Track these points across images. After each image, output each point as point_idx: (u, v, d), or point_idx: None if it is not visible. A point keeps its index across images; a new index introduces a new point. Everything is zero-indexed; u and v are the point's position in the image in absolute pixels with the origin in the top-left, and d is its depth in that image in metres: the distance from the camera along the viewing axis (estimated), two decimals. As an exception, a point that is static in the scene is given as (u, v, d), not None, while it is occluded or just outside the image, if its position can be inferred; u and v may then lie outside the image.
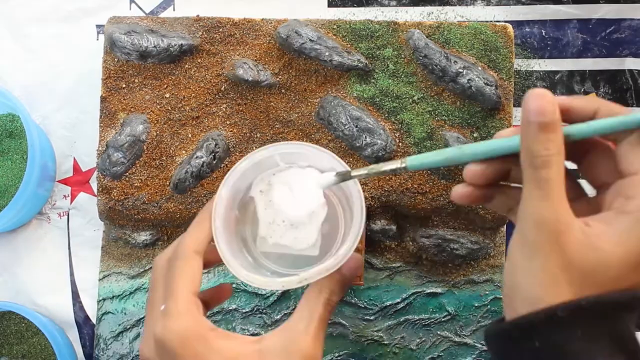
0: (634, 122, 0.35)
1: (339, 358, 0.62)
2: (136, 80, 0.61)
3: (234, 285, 0.63)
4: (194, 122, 0.61)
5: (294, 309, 0.62)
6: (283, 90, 0.61)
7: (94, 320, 0.64)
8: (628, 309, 0.32)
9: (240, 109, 0.61)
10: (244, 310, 0.63)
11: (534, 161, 0.34)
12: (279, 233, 0.45)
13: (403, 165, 0.42)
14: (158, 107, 0.61)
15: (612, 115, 0.36)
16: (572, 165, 0.39)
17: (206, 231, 0.44)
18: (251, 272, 0.43)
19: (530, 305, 0.32)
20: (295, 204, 0.45)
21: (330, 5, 0.68)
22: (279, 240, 0.45)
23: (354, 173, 0.44)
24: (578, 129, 0.36)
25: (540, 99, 0.34)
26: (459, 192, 0.40)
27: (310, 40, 0.60)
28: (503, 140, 0.38)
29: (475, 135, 0.60)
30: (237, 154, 0.61)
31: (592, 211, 0.36)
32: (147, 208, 0.61)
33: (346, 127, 0.59)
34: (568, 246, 0.32)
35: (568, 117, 0.37)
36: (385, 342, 0.62)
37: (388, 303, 0.63)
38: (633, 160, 0.35)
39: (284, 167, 0.47)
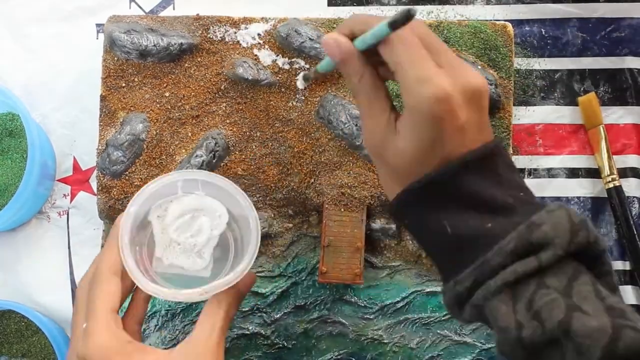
0: (381, 30, 0.38)
1: (338, 357, 0.62)
2: (136, 79, 0.61)
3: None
4: (194, 121, 0.61)
5: (293, 308, 0.62)
6: (283, 89, 0.61)
7: (93, 319, 0.64)
8: (452, 176, 0.38)
9: (240, 107, 0.61)
10: (243, 309, 0.63)
11: (351, 91, 0.43)
12: (175, 255, 0.49)
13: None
14: (158, 105, 0.61)
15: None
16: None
17: (117, 252, 0.47)
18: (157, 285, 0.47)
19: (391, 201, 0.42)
20: (191, 229, 0.50)
21: (330, 4, 0.68)
22: (174, 261, 0.49)
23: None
24: (361, 42, 0.41)
25: (329, 44, 0.41)
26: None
27: (310, 39, 0.60)
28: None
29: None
30: (237, 152, 0.61)
31: None
32: (146, 207, 0.61)
33: (346, 125, 0.59)
34: (388, 161, 0.40)
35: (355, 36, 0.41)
36: (385, 341, 0.62)
37: (388, 302, 0.63)
38: (390, 59, 0.39)
39: (182, 194, 0.51)
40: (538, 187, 0.65)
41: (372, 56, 0.41)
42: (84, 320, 0.45)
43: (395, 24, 0.37)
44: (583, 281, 0.36)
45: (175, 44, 0.60)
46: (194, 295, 0.46)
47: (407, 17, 0.36)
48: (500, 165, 0.39)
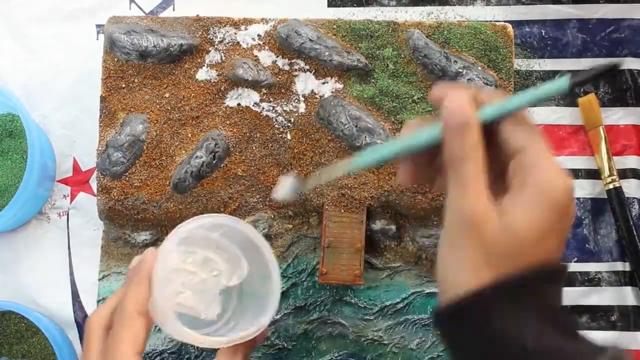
0: (559, 86, 0.36)
1: (338, 358, 0.62)
2: (136, 80, 0.61)
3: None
4: (194, 121, 0.61)
5: (293, 309, 0.62)
6: (283, 90, 0.61)
7: (93, 320, 0.64)
8: (548, 282, 0.35)
9: (240, 108, 0.61)
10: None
11: (452, 160, 0.36)
12: (188, 294, 0.48)
13: (350, 166, 0.43)
14: (158, 106, 0.61)
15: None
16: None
17: (146, 291, 0.44)
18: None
19: (458, 292, 0.35)
20: (208, 272, 0.49)
21: (330, 5, 0.68)
22: (185, 301, 0.48)
23: (309, 184, 0.46)
24: (487, 113, 0.37)
25: (458, 101, 0.37)
26: (402, 176, 0.41)
27: (310, 40, 0.60)
28: (428, 133, 0.38)
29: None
30: (237, 153, 0.61)
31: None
32: (147, 208, 0.61)
33: (346, 126, 0.59)
34: (486, 236, 0.35)
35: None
36: (385, 342, 0.62)
37: (388, 303, 0.63)
38: (515, 139, 0.36)
39: (216, 236, 0.50)
40: (538, 188, 0.65)
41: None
42: None
43: (586, 80, 0.34)
44: None
45: (175, 44, 0.60)
46: (217, 344, 0.46)
47: (613, 68, 0.33)
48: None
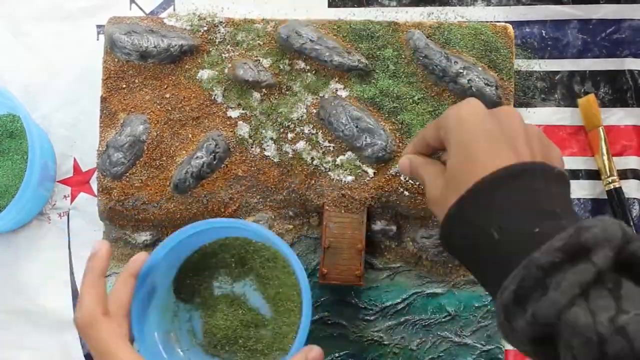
0: None
1: (339, 358, 0.62)
2: (136, 81, 0.61)
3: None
4: (194, 122, 0.61)
5: (294, 309, 0.62)
6: (283, 90, 0.61)
7: (94, 321, 0.64)
8: (511, 179, 0.39)
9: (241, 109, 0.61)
10: (244, 311, 0.63)
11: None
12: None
13: None
14: (158, 107, 0.61)
15: None
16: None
17: (130, 289, 0.49)
18: None
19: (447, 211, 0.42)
20: None
21: (330, 5, 0.68)
22: None
23: None
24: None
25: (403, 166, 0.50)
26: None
27: (311, 40, 0.60)
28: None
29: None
30: (237, 154, 0.61)
31: None
32: (147, 208, 0.61)
33: (346, 127, 0.59)
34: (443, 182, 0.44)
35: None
36: (386, 343, 0.62)
37: (388, 303, 0.63)
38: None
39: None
40: (538, 189, 0.65)
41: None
42: None
43: None
44: None
45: (175, 45, 0.60)
46: None
47: None
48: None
